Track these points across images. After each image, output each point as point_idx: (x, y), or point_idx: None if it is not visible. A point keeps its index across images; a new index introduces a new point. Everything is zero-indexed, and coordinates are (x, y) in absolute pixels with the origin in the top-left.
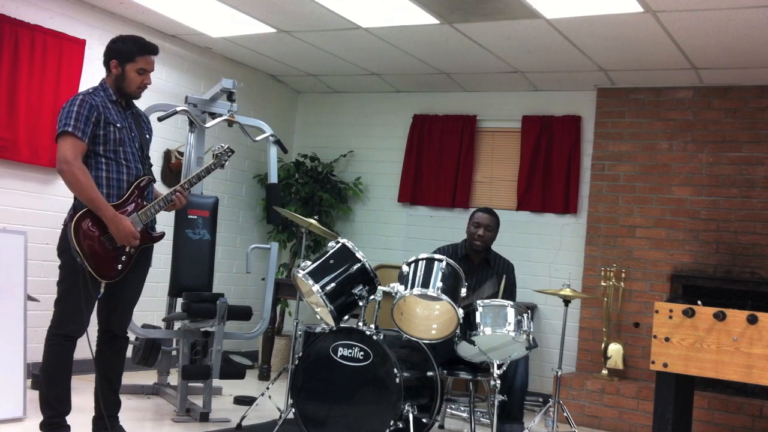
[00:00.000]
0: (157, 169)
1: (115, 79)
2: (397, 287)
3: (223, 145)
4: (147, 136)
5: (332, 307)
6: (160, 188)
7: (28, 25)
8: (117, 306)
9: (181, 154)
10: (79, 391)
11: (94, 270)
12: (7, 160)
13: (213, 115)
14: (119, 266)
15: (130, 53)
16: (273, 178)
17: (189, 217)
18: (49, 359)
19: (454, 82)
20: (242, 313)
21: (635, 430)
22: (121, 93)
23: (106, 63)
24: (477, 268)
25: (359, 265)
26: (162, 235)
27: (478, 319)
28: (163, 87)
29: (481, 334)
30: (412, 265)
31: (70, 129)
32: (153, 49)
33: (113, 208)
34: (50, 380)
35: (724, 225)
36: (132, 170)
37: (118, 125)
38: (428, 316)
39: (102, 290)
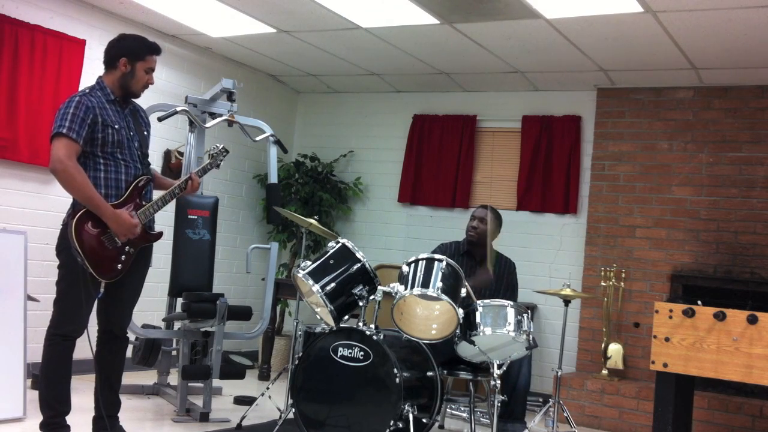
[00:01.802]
0: (157, 169)
1: (121, 77)
2: (397, 287)
3: (218, 145)
4: (145, 132)
5: (332, 307)
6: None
7: (28, 25)
8: (117, 306)
9: (181, 154)
10: (79, 391)
11: (94, 270)
12: (7, 160)
13: (213, 115)
14: (119, 266)
15: (140, 52)
16: (273, 178)
17: (189, 217)
18: (48, 359)
19: (454, 82)
20: (242, 313)
21: (635, 430)
22: (125, 91)
23: (113, 61)
24: (479, 265)
25: (359, 265)
26: (160, 234)
27: (478, 319)
28: (163, 87)
29: (481, 334)
30: (412, 265)
31: (64, 131)
32: (158, 50)
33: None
34: (50, 380)
35: (724, 225)
36: (131, 170)
37: (116, 126)
38: (428, 316)
39: (102, 290)
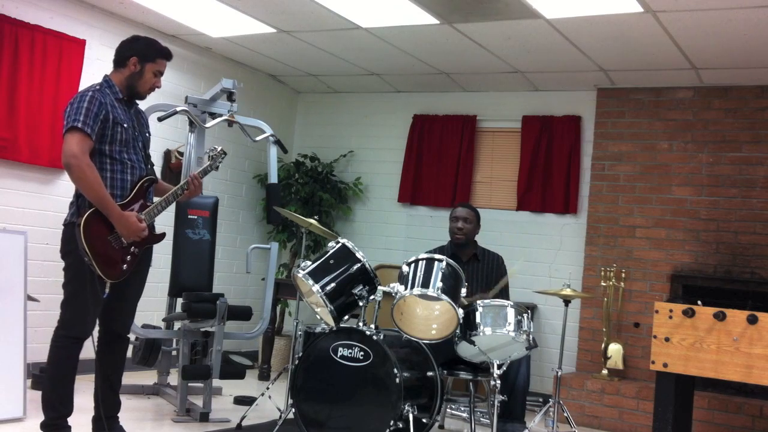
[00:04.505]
0: (157, 169)
1: (129, 76)
2: (397, 287)
3: (216, 147)
4: (147, 134)
5: (332, 307)
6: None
7: (28, 25)
8: (120, 306)
9: (181, 154)
10: (80, 391)
11: (101, 270)
12: (7, 160)
13: (213, 115)
14: (124, 266)
15: (151, 54)
16: (273, 178)
17: (189, 217)
18: (55, 360)
19: (454, 82)
20: (242, 313)
21: (635, 430)
22: (132, 91)
23: (124, 59)
24: (466, 265)
25: (359, 265)
26: (163, 235)
27: (478, 319)
28: (163, 87)
29: (481, 334)
30: (412, 265)
31: (78, 125)
32: (169, 55)
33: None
34: (55, 381)
35: (724, 225)
36: (136, 170)
37: (125, 125)
38: (428, 316)
39: (107, 290)
